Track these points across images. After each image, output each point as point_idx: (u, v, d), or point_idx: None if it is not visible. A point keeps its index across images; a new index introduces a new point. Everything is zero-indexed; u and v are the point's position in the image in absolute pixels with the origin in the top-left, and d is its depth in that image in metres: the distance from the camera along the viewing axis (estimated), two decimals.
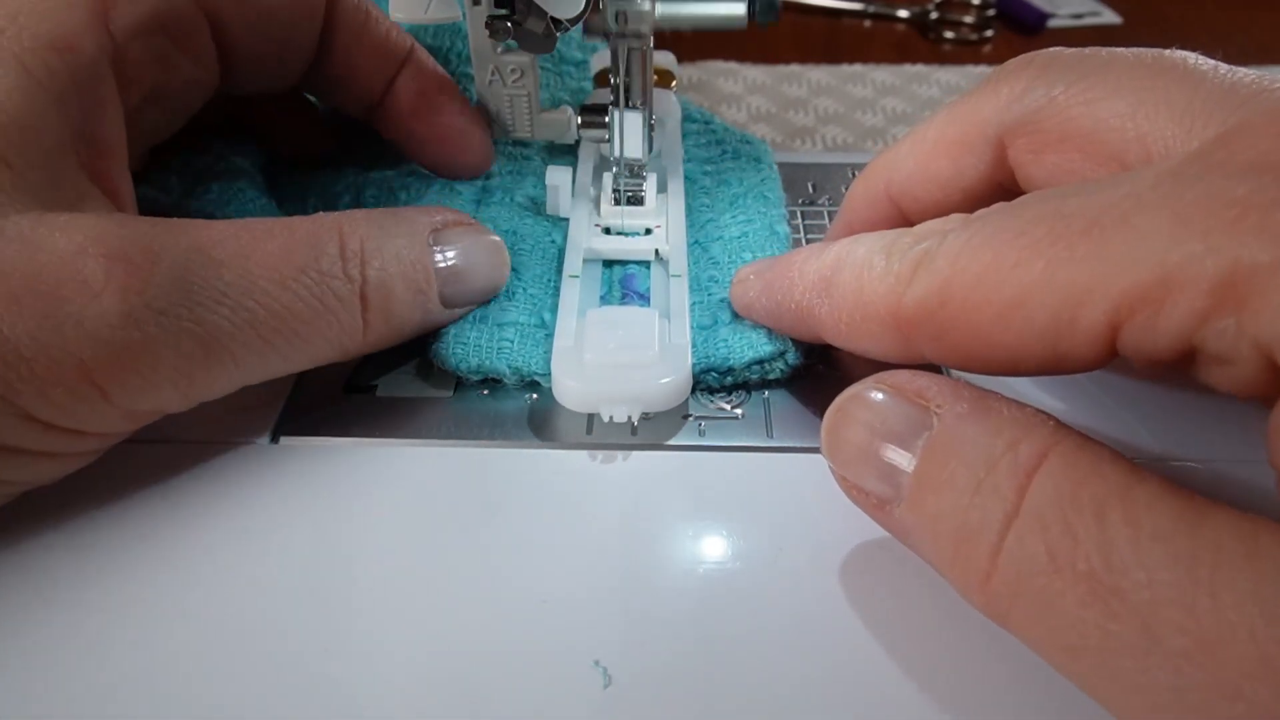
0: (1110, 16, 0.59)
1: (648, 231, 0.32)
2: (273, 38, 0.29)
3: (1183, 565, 0.15)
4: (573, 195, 0.33)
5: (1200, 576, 0.15)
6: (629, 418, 0.25)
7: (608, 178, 0.33)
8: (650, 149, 0.32)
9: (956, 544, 0.18)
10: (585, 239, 0.31)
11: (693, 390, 0.27)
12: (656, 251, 0.31)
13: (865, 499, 0.20)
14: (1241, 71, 0.20)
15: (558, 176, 0.32)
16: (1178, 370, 0.18)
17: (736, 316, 0.28)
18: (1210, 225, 0.16)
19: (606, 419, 0.26)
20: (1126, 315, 0.17)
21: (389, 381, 0.28)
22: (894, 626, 0.21)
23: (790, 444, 0.26)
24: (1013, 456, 0.17)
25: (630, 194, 0.32)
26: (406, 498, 0.24)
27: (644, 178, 0.32)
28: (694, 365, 0.27)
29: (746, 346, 0.27)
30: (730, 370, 0.27)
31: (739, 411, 0.27)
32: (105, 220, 0.21)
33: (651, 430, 0.26)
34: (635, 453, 0.26)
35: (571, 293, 0.29)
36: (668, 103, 0.36)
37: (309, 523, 0.23)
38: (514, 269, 0.30)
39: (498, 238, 0.28)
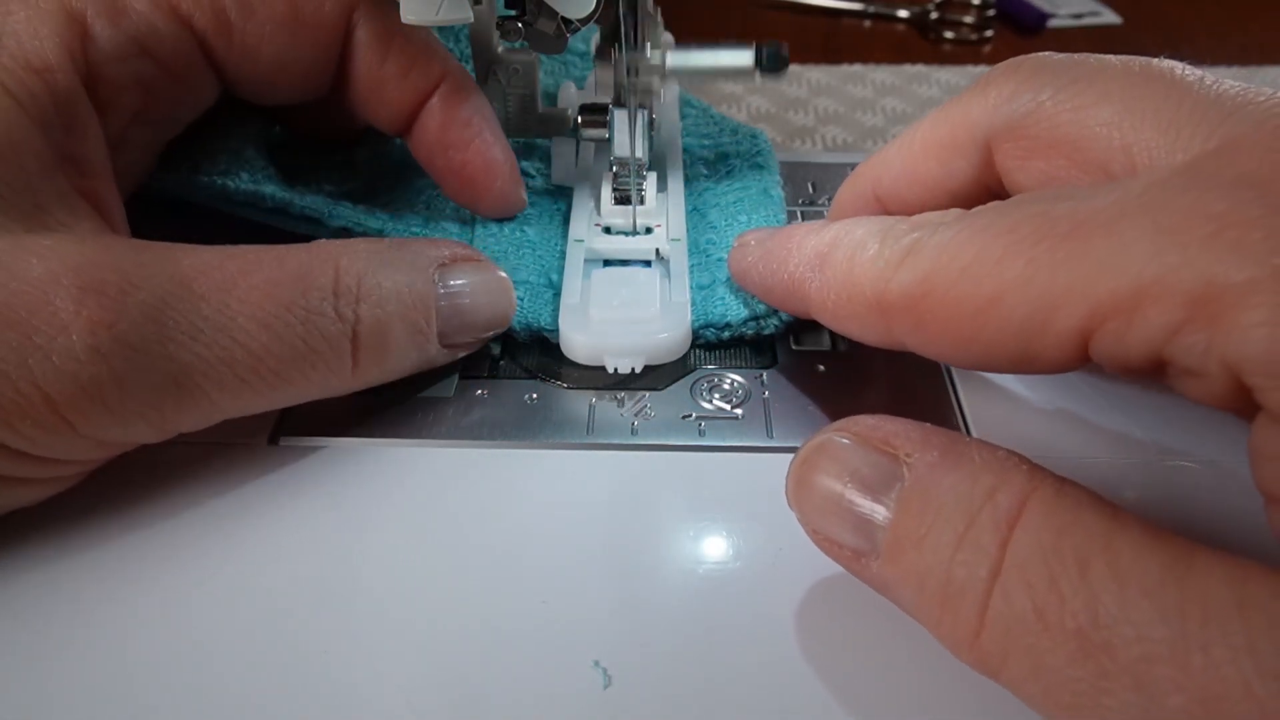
0: (1110, 16, 0.59)
1: (648, 230, 0.32)
2: (278, 64, 0.28)
3: (1172, 620, 0.15)
4: (576, 165, 0.34)
5: (1191, 631, 0.14)
6: (632, 369, 0.27)
7: (608, 176, 0.33)
8: (650, 146, 0.32)
9: (943, 602, 0.17)
10: (588, 229, 0.32)
11: (692, 346, 0.29)
12: (657, 251, 0.31)
13: (839, 551, 0.19)
14: (1227, 83, 0.20)
15: (562, 146, 0.33)
16: (1148, 378, 0.18)
17: None
18: (1188, 239, 0.16)
19: (611, 370, 0.27)
20: (1099, 323, 0.17)
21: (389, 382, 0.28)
22: (894, 626, 0.21)
23: (790, 444, 0.26)
24: (992, 508, 0.17)
25: (628, 194, 0.32)
26: (406, 498, 0.24)
27: (644, 177, 0.32)
28: (693, 321, 0.28)
29: (743, 304, 0.29)
30: (727, 325, 0.29)
31: (739, 411, 0.27)
32: (87, 246, 0.21)
33: (651, 430, 0.26)
34: (635, 453, 0.26)
35: (577, 255, 0.30)
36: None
37: (309, 523, 0.23)
38: (521, 230, 0.31)
39: (504, 274, 0.27)
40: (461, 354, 0.27)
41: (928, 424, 0.19)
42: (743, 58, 0.31)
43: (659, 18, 0.32)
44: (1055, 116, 0.22)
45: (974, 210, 0.20)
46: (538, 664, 0.20)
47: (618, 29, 0.28)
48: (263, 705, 0.20)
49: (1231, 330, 0.15)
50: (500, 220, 0.32)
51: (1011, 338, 0.18)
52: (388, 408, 0.27)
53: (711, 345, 0.29)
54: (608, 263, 0.31)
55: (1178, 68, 0.21)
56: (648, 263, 0.31)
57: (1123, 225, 0.16)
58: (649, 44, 0.29)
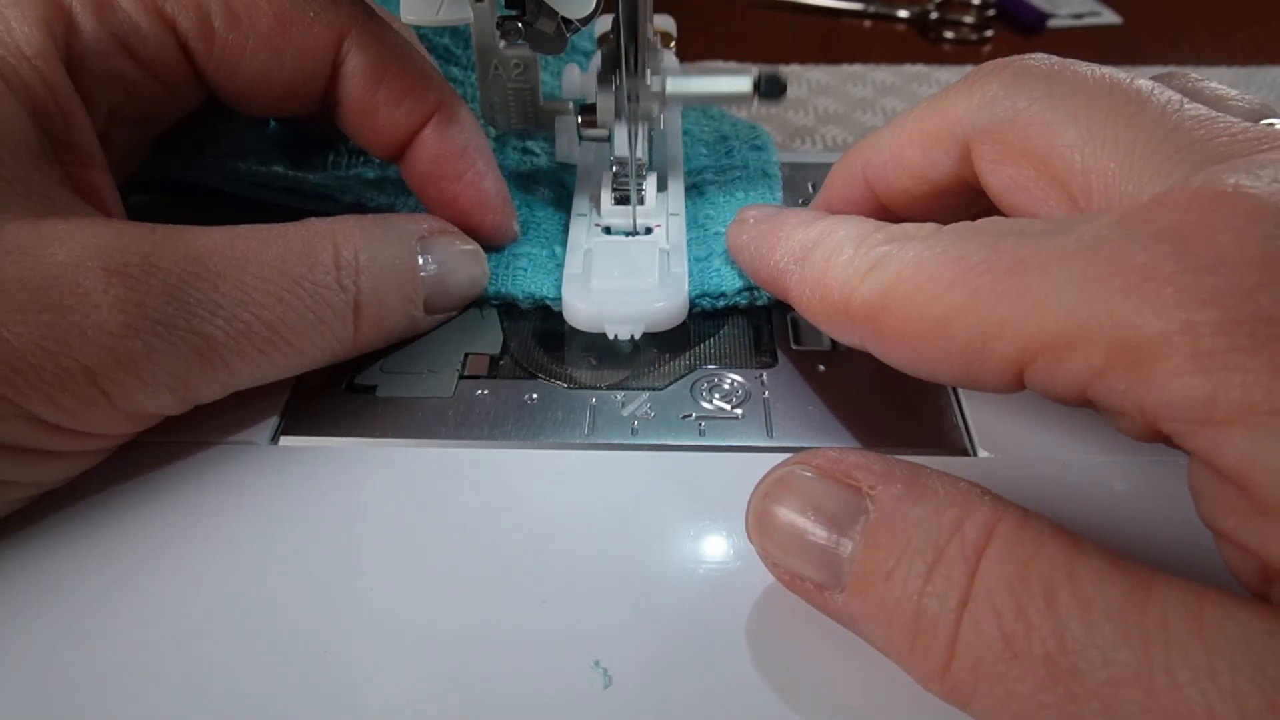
0: (1110, 16, 0.59)
1: (648, 230, 0.32)
2: (259, 79, 0.28)
3: (1136, 643, 0.15)
4: (579, 143, 0.34)
5: (1153, 654, 0.15)
6: (631, 336, 0.28)
7: (608, 176, 0.33)
8: (651, 145, 0.32)
9: (913, 635, 0.17)
10: (589, 204, 0.32)
11: (690, 316, 0.29)
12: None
13: (801, 585, 0.20)
14: (1191, 110, 0.20)
15: (565, 123, 0.33)
16: (1082, 407, 0.18)
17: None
18: (1111, 289, 0.16)
19: (611, 336, 0.28)
20: (1031, 357, 0.18)
21: (389, 381, 0.28)
22: None
23: (790, 444, 0.26)
24: (959, 539, 0.17)
25: (627, 194, 0.32)
26: (406, 498, 0.24)
27: (644, 177, 0.32)
28: (690, 291, 0.29)
29: (738, 275, 0.30)
30: (723, 295, 0.30)
31: (739, 411, 0.27)
32: (103, 230, 0.22)
33: (651, 430, 0.26)
34: (635, 453, 0.26)
35: (580, 228, 0.31)
36: (667, 61, 0.37)
37: (309, 523, 0.23)
38: (527, 205, 0.33)
39: (476, 245, 0.29)
40: (441, 320, 0.29)
41: (889, 456, 0.20)
42: (741, 84, 0.31)
43: (659, 45, 0.33)
44: (1029, 127, 0.22)
45: (942, 230, 0.21)
46: (538, 664, 0.20)
47: (618, 56, 0.29)
48: (263, 705, 0.20)
49: (1147, 379, 0.16)
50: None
51: (956, 358, 0.19)
52: (388, 408, 0.27)
53: (709, 314, 0.30)
54: (608, 231, 0.32)
55: (1146, 90, 0.21)
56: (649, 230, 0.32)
57: (1057, 268, 0.17)
58: (649, 70, 0.29)
